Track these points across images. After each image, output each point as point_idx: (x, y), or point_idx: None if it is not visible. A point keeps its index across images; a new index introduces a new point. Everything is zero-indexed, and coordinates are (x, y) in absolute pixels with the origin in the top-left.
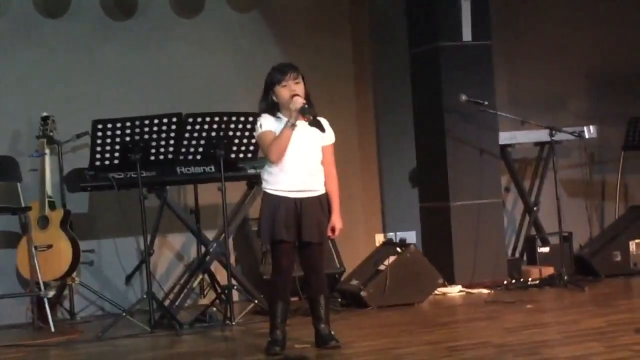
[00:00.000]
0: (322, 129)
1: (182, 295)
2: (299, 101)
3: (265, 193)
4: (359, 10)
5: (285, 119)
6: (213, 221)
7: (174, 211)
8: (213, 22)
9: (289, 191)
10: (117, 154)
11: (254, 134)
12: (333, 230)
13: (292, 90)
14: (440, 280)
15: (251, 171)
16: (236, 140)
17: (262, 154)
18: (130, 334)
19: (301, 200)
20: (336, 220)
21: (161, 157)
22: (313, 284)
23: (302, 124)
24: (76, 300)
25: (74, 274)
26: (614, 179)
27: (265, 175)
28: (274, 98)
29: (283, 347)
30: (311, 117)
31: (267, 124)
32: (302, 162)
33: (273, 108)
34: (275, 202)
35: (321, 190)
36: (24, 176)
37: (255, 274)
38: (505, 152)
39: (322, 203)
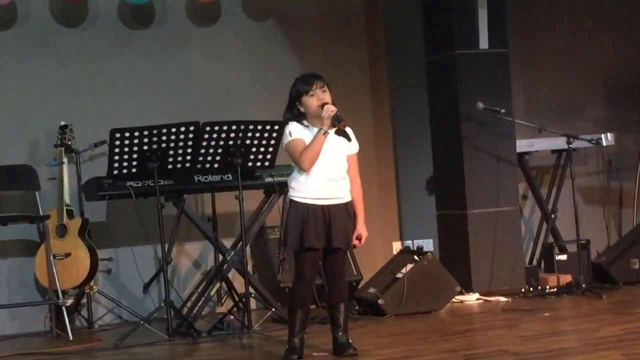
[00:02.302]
0: (349, 138)
1: (199, 303)
2: (332, 108)
3: (293, 201)
4: (375, 18)
5: (313, 127)
6: (230, 229)
7: (191, 219)
8: (229, 31)
9: (317, 198)
10: (134, 163)
11: (283, 142)
12: (359, 238)
13: (321, 99)
14: (458, 288)
15: (269, 179)
16: (253, 149)
17: (283, 162)
18: (148, 342)
19: (329, 207)
20: (362, 228)
21: (179, 165)
22: (334, 291)
23: (330, 133)
24: (94, 308)
25: (92, 282)
26: (632, 186)
27: (292, 183)
28: (301, 109)
29: (301, 355)
30: (346, 124)
31: (296, 131)
32: (330, 170)
33: (299, 118)
34: (303, 210)
35: (348, 198)
36: (42, 185)
37: (272, 282)
38: (523, 159)
39: (349, 210)
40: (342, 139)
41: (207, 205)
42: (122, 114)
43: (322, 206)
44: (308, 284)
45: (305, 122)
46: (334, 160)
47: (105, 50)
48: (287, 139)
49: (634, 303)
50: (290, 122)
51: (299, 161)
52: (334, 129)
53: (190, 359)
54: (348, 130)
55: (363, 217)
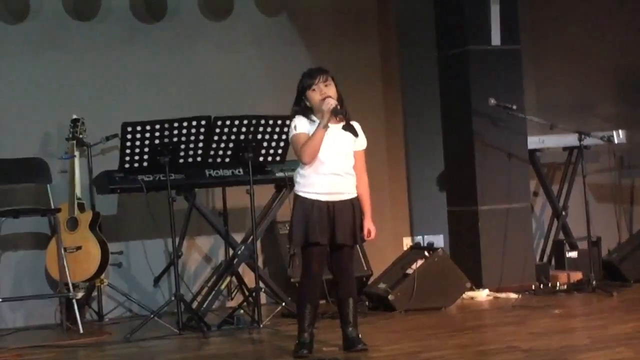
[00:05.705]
0: (355, 134)
1: (210, 298)
2: (331, 102)
3: (298, 196)
4: (386, 13)
5: (318, 121)
6: (241, 224)
7: (202, 214)
8: (241, 25)
9: (322, 193)
10: (146, 157)
11: (288, 135)
12: (369, 233)
13: (323, 93)
14: (468, 285)
15: (279, 174)
16: (265, 144)
17: (294, 157)
18: (158, 335)
19: (334, 203)
20: (369, 223)
21: (190, 159)
22: (343, 287)
23: (336, 128)
24: (104, 301)
25: (103, 276)
26: None
27: (298, 178)
28: (307, 103)
29: (311, 350)
30: (343, 118)
31: (301, 125)
32: (335, 164)
33: (306, 112)
34: (308, 205)
35: (353, 194)
36: (54, 178)
37: (283, 277)
38: (534, 156)
39: (354, 206)
40: (348, 135)
41: (217, 200)
42: (134, 107)
43: (327, 202)
44: (316, 278)
45: (312, 116)
46: (339, 156)
47: (118, 43)
48: (291, 132)
49: None
50: (296, 116)
51: (300, 154)
52: (342, 124)
53: (200, 353)
54: (356, 125)
55: (370, 213)
